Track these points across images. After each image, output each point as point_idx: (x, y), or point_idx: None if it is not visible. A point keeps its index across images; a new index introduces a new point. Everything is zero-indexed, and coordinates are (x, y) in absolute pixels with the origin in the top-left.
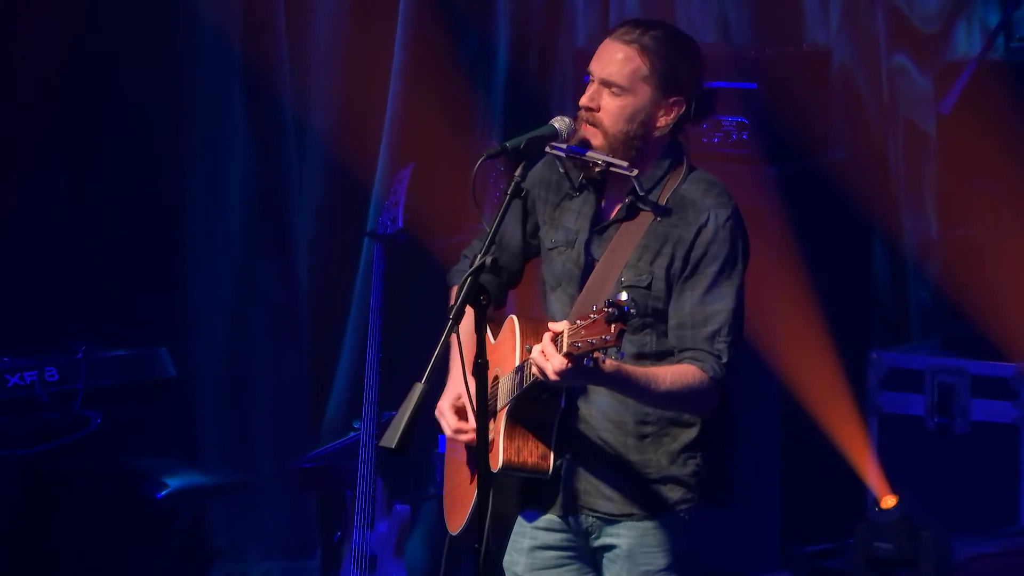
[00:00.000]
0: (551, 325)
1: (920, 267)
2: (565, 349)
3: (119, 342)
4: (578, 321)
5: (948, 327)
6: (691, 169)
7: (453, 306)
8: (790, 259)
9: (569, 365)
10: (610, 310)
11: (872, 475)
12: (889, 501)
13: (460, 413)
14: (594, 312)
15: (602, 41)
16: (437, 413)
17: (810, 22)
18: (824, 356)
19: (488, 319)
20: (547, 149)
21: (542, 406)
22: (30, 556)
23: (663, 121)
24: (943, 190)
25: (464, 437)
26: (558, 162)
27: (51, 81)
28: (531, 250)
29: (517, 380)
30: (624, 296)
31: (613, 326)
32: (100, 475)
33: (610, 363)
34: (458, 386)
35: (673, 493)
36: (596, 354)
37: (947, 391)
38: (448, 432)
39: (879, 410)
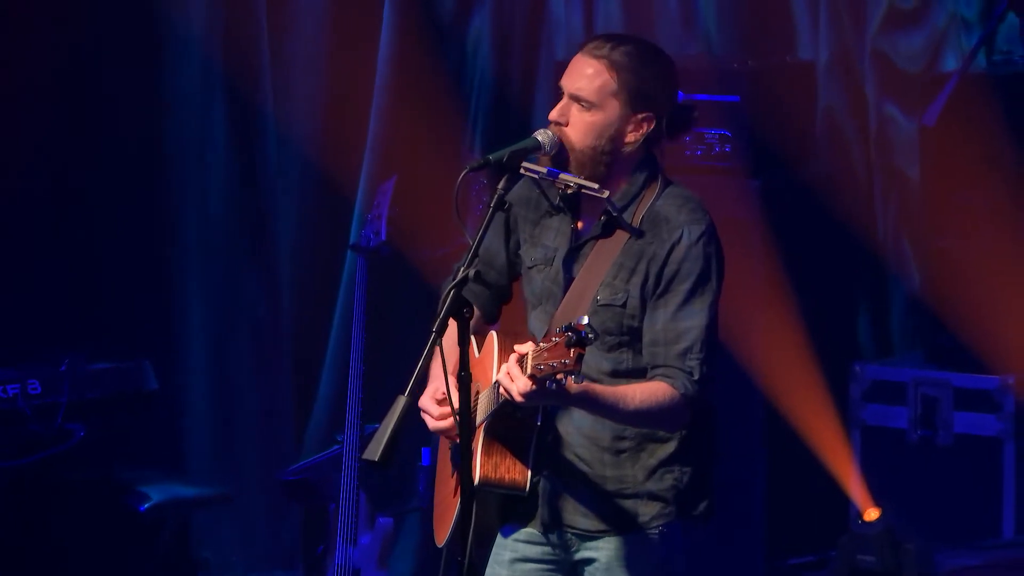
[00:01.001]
0: (516, 347)
1: (901, 280)
2: (529, 371)
3: (102, 355)
4: (541, 344)
5: (931, 339)
6: (667, 184)
7: (436, 318)
8: (773, 271)
9: (533, 387)
10: (569, 335)
11: (855, 488)
12: (872, 514)
13: (441, 402)
14: (556, 335)
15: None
16: (421, 412)
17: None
18: (807, 369)
19: (475, 332)
20: (521, 171)
21: (519, 423)
22: (13, 569)
23: (632, 137)
24: (926, 201)
25: (446, 423)
26: (533, 182)
27: (34, 91)
28: (516, 267)
29: (493, 396)
30: (584, 320)
31: (572, 351)
32: (84, 488)
33: (575, 384)
34: (438, 381)
35: (650, 508)
36: (559, 376)
37: (930, 403)
38: (432, 422)
39: (862, 423)
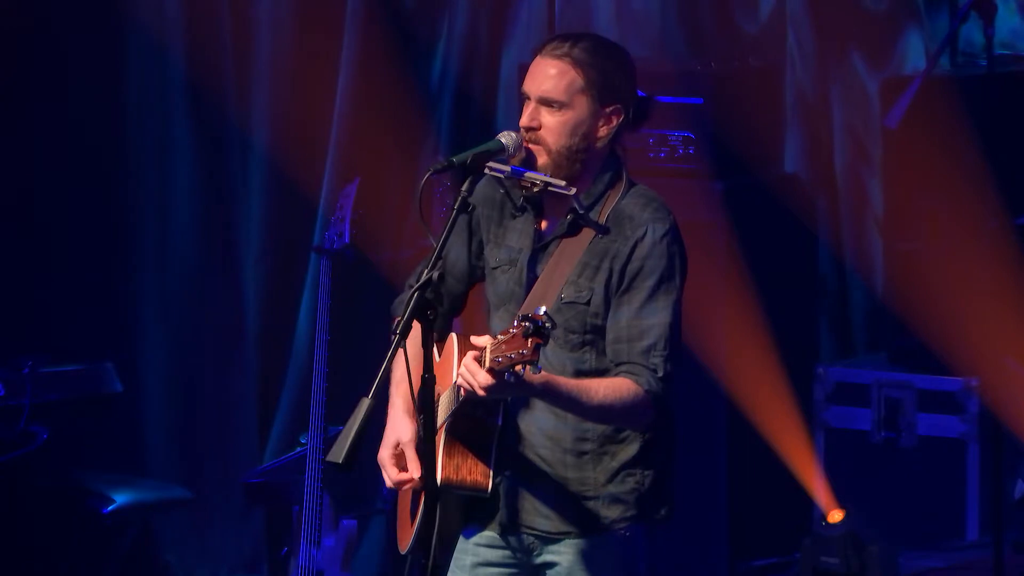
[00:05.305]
0: (474, 340)
1: (864, 283)
2: (488, 365)
3: (65, 357)
4: (499, 336)
5: (894, 341)
6: (631, 184)
7: (399, 321)
8: (736, 274)
9: (492, 381)
10: (526, 325)
11: (819, 490)
12: (836, 515)
13: (400, 463)
14: (513, 327)
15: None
16: (379, 463)
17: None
18: (770, 371)
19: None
20: (486, 171)
21: (479, 424)
22: None
23: (604, 131)
24: (889, 204)
25: (407, 487)
26: (497, 182)
27: None
28: (476, 272)
29: (453, 397)
30: (542, 311)
31: (530, 341)
32: (46, 491)
33: (535, 376)
34: (396, 432)
35: (611, 511)
36: (518, 368)
37: (893, 405)
38: (389, 483)
39: (826, 424)
